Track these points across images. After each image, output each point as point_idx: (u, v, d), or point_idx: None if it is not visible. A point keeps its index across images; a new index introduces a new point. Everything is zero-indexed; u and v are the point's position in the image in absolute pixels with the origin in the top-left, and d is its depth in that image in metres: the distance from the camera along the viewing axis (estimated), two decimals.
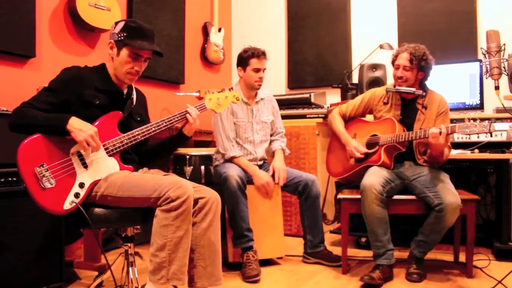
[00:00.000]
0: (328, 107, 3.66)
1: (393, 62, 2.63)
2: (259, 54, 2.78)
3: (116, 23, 1.93)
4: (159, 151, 2.15)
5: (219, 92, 2.12)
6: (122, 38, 1.88)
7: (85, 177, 1.77)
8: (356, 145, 2.67)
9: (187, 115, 1.98)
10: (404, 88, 2.55)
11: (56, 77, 1.87)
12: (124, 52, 1.89)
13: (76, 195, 1.73)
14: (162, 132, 2.00)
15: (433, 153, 2.42)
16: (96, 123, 1.82)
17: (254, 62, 2.77)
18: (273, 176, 2.78)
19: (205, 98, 2.07)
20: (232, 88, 2.23)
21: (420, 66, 2.52)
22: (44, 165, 1.69)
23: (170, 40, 3.92)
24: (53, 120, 1.73)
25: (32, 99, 1.79)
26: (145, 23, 1.96)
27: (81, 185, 1.75)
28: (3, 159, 2.06)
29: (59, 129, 1.72)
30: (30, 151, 1.69)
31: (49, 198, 1.68)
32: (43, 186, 1.68)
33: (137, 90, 2.12)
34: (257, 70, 2.79)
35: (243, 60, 2.81)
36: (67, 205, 1.71)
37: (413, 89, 2.53)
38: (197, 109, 2.02)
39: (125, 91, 2.02)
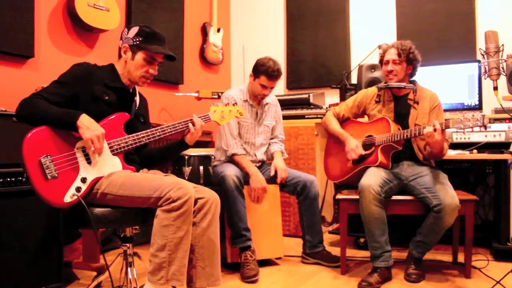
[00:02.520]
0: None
1: (381, 60, 2.68)
2: (272, 76, 2.70)
3: (128, 27, 1.97)
4: (158, 157, 2.15)
5: (224, 105, 2.15)
6: (138, 42, 1.92)
7: (88, 172, 1.78)
8: (354, 147, 2.67)
9: (190, 123, 1.99)
10: (394, 84, 2.58)
11: (67, 71, 1.88)
12: (140, 56, 1.93)
13: (78, 189, 1.74)
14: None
15: (433, 151, 2.42)
16: (103, 122, 1.84)
17: (263, 79, 2.73)
18: (275, 176, 2.78)
19: (210, 110, 2.09)
20: (236, 103, 2.25)
21: (408, 59, 2.57)
22: (48, 156, 1.70)
23: (169, 40, 3.87)
24: (64, 115, 1.74)
25: (42, 91, 1.80)
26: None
27: (83, 180, 1.76)
28: (3, 159, 2.05)
29: (69, 124, 1.73)
30: (37, 141, 1.70)
31: (50, 189, 1.69)
32: (46, 176, 1.68)
33: (139, 93, 2.14)
34: (264, 87, 2.76)
35: (256, 71, 2.76)
36: (67, 198, 1.72)
37: (403, 84, 2.57)
38: (202, 119, 2.03)
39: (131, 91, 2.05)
